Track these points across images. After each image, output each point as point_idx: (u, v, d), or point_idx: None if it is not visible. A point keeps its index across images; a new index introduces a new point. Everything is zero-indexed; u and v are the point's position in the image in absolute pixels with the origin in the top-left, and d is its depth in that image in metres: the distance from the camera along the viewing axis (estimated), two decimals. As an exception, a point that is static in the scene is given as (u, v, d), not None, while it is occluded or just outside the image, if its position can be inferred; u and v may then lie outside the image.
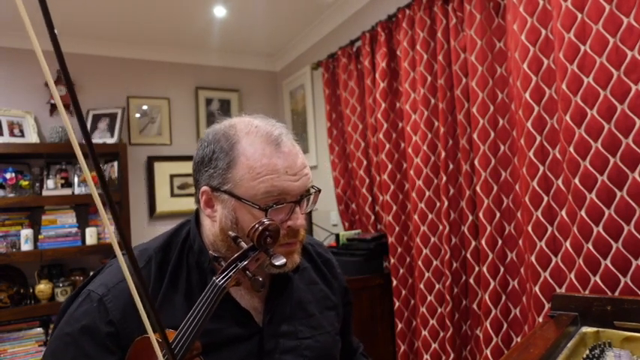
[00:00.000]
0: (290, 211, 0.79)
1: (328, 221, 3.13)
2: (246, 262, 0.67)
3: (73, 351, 0.74)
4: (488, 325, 1.80)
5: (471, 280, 1.93)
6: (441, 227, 2.08)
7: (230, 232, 0.74)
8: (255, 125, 0.80)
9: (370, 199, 2.59)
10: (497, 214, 1.80)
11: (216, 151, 0.79)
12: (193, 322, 0.64)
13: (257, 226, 0.67)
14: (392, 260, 2.33)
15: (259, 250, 0.68)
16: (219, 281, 0.66)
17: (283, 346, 0.84)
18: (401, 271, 2.31)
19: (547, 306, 1.52)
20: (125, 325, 0.75)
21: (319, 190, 0.84)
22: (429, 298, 2.11)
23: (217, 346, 0.79)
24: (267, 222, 0.67)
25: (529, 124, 1.56)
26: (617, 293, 1.31)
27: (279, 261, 0.67)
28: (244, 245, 0.69)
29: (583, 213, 1.38)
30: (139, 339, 0.72)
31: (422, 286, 2.13)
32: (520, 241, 1.75)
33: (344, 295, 1.04)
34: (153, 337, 0.43)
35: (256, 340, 0.82)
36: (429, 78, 2.11)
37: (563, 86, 1.42)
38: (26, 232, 2.72)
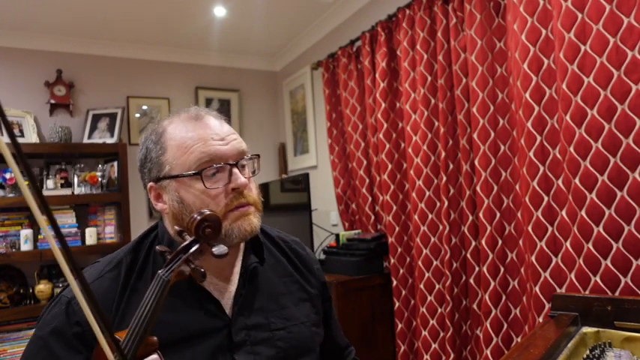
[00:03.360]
0: (229, 174, 0.81)
1: (328, 221, 3.13)
2: (188, 254, 0.68)
3: (43, 353, 0.77)
4: (488, 325, 1.80)
5: (471, 280, 1.93)
6: (441, 227, 2.08)
7: (176, 227, 0.76)
8: (177, 114, 0.87)
9: (370, 199, 2.58)
10: (498, 214, 1.80)
11: (148, 147, 0.85)
12: (142, 317, 0.65)
13: (195, 216, 0.68)
14: (392, 260, 2.33)
15: (201, 241, 0.69)
16: (163, 274, 0.67)
17: (255, 337, 0.84)
18: (401, 271, 2.31)
19: (547, 306, 1.52)
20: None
21: (258, 155, 0.88)
22: (429, 298, 2.11)
23: (186, 339, 0.80)
24: (207, 212, 0.69)
25: (529, 124, 1.56)
26: (617, 293, 1.31)
27: (220, 250, 0.68)
28: (188, 238, 0.70)
29: (583, 213, 1.37)
30: None
31: (422, 286, 2.13)
32: (520, 241, 1.75)
33: (322, 290, 1.03)
34: (102, 338, 0.47)
35: (226, 332, 0.83)
36: (429, 78, 2.11)
37: (564, 86, 1.42)
38: (26, 232, 2.72)
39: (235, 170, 0.81)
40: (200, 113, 0.85)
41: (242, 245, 0.92)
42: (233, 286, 0.87)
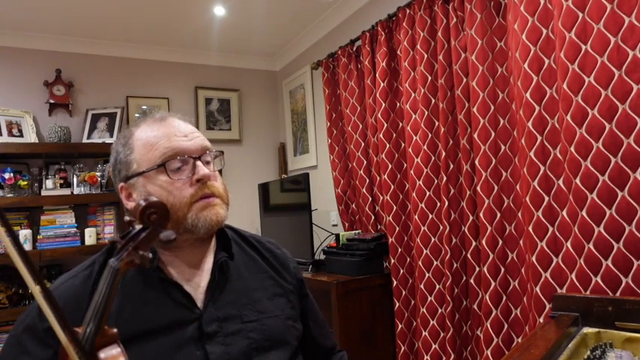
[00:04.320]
0: (192, 167, 0.85)
1: (328, 221, 3.13)
2: (136, 241, 0.68)
3: (15, 350, 0.80)
4: (488, 326, 1.80)
5: (472, 281, 1.92)
6: (441, 227, 2.08)
7: (126, 217, 0.76)
8: (144, 120, 0.91)
9: (370, 199, 2.58)
10: (498, 215, 1.80)
11: (117, 150, 0.89)
12: (96, 307, 0.65)
13: (140, 202, 0.69)
14: (392, 260, 2.32)
15: (149, 227, 0.69)
16: (113, 263, 0.67)
17: (227, 329, 0.85)
18: (401, 271, 2.31)
19: (548, 306, 1.51)
20: None
21: (222, 152, 0.93)
22: (429, 298, 2.11)
23: (155, 331, 0.81)
24: (152, 199, 0.70)
25: (530, 124, 1.56)
26: (618, 294, 1.30)
27: (165, 235, 0.68)
28: (137, 227, 0.71)
29: (584, 213, 1.37)
30: None
31: (422, 286, 2.13)
32: (521, 242, 1.75)
33: (299, 287, 1.03)
34: (59, 330, 0.52)
35: (197, 324, 0.84)
36: (430, 77, 2.11)
37: (564, 86, 1.41)
38: (25, 233, 2.71)
39: (199, 163, 0.85)
40: (165, 115, 0.90)
41: (214, 242, 0.93)
42: (205, 281, 0.89)
